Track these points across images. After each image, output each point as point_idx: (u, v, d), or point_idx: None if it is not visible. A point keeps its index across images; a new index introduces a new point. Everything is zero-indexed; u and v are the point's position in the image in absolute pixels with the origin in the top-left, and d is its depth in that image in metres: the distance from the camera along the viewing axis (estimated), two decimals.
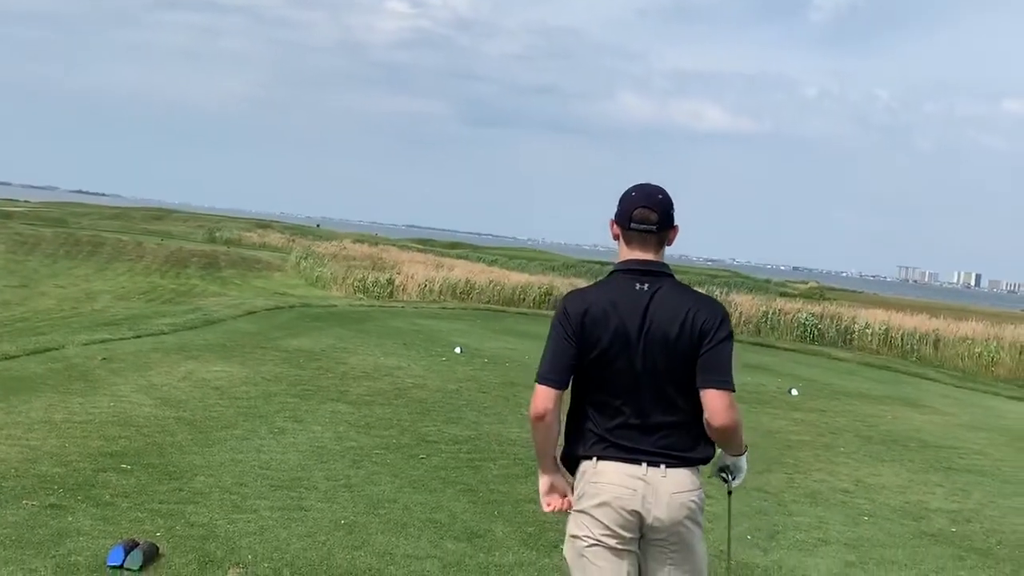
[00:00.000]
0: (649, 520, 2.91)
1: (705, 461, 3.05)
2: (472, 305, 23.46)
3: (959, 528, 6.76)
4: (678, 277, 3.10)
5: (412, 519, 5.61)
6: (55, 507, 5.14)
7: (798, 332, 22.57)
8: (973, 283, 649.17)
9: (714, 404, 2.91)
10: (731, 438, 3.02)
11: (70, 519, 4.98)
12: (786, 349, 20.11)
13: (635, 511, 2.90)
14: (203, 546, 4.78)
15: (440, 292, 26.33)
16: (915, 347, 21.09)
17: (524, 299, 25.38)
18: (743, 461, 3.17)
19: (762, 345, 20.63)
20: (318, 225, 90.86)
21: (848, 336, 22.17)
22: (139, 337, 12.02)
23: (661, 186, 3.07)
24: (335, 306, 19.24)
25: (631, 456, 2.94)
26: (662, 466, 2.93)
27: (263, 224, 63.72)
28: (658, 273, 3.00)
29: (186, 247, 39.55)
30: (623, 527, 2.90)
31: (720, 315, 2.98)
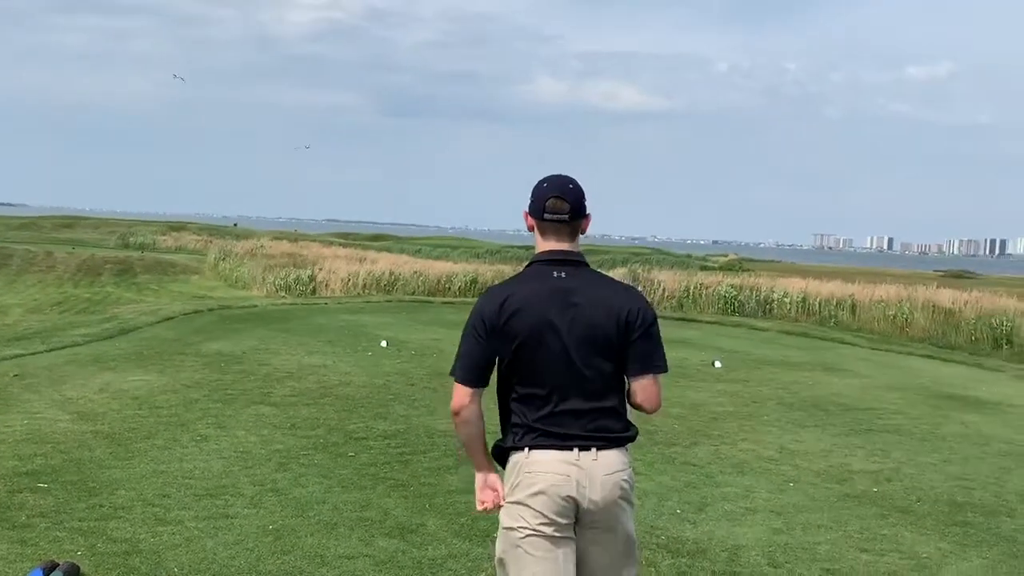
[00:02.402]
0: (584, 504, 2.94)
1: (633, 439, 3.11)
2: (397, 297, 23.31)
3: (880, 488, 6.96)
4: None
5: (342, 519, 5.56)
6: None
7: (719, 305, 22.93)
8: (886, 247, 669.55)
9: (651, 390, 3.07)
10: (650, 416, 3.19)
11: None
12: (708, 322, 20.42)
13: (570, 497, 2.93)
14: (126, 562, 4.67)
15: (364, 286, 26.10)
16: (832, 313, 21.61)
17: (449, 288, 25.32)
18: None
19: (685, 320, 20.91)
20: (235, 224, 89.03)
21: (768, 306, 22.60)
22: (52, 350, 11.66)
23: (571, 176, 3.09)
24: (256, 306, 18.92)
25: (563, 443, 2.97)
26: (593, 449, 2.97)
27: (177, 226, 62.24)
28: (575, 262, 3.05)
29: (98, 254, 38.45)
30: (559, 514, 2.93)
31: (643, 303, 3.09)
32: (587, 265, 3.09)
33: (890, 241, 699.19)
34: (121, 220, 73.94)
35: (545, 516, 2.92)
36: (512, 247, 69.44)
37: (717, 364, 12.98)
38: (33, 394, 8.75)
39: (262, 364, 11.11)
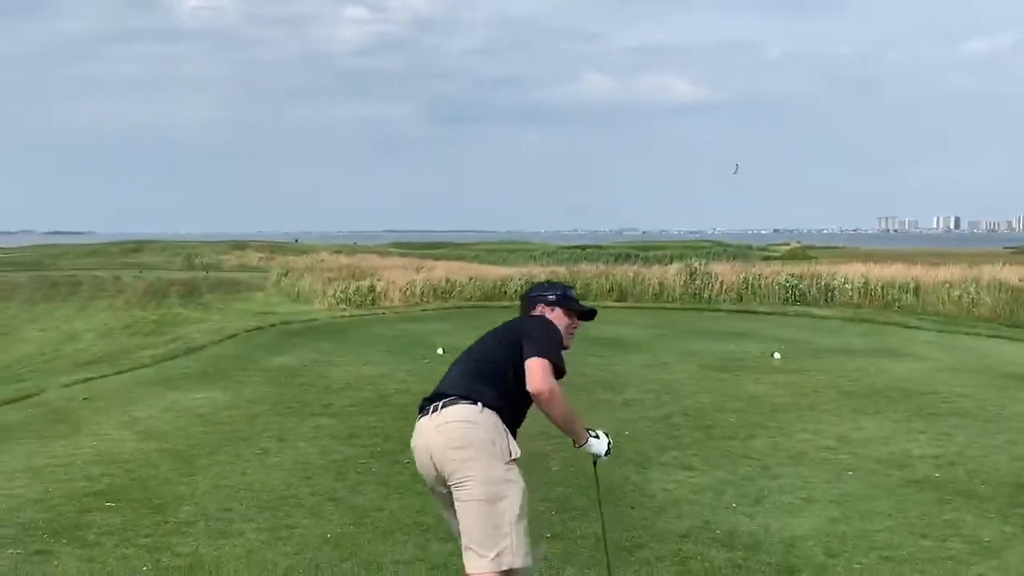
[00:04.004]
0: (435, 459, 3.51)
1: (485, 399, 3.54)
2: (454, 304, 23.46)
3: (943, 472, 6.84)
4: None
5: (398, 525, 5.64)
6: (40, 552, 5.15)
7: (780, 295, 22.63)
8: (953, 226, 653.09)
9: (528, 370, 3.51)
10: (544, 408, 3.54)
11: (55, 563, 4.98)
12: (768, 313, 20.19)
13: (428, 455, 3.54)
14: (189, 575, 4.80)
15: (422, 294, 26.29)
16: (896, 297, 21.21)
17: (505, 292, 25.38)
18: (594, 447, 3.88)
19: (744, 312, 20.72)
20: (296, 240, 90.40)
21: (829, 293, 22.25)
22: (120, 373, 11.99)
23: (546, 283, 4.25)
24: (316, 320, 19.22)
25: (423, 410, 3.67)
26: (439, 406, 3.58)
27: (240, 245, 63.45)
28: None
29: (164, 276, 39.35)
30: (425, 473, 3.63)
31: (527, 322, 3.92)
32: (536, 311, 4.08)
33: (957, 220, 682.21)
34: (185, 242, 75.66)
35: (423, 476, 3.72)
36: (567, 247, 69.35)
37: (776, 356, 12.84)
38: (102, 416, 9.02)
39: (322, 376, 11.30)
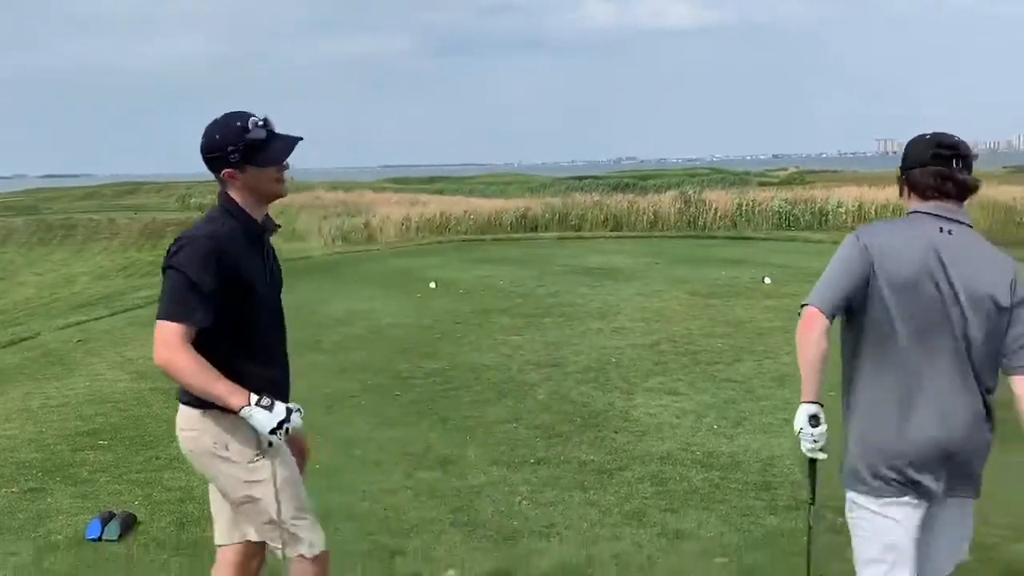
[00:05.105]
0: None
1: (194, 402, 2.92)
2: (448, 238, 23.49)
3: None
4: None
5: (386, 455, 5.76)
6: (34, 490, 5.27)
7: (773, 220, 22.65)
8: None
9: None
10: (172, 378, 2.85)
11: (49, 500, 5.10)
12: (761, 239, 20.22)
13: None
14: (181, 508, 4.92)
15: (417, 229, 26.29)
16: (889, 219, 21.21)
17: (500, 225, 25.37)
18: (255, 418, 2.75)
19: (738, 239, 20.74)
20: (291, 178, 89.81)
21: (823, 218, 22.27)
22: (114, 315, 12.08)
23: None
24: (310, 257, 19.26)
25: None
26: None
27: None
28: None
29: (160, 217, 39.26)
30: None
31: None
32: None
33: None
34: (180, 182, 75.28)
35: None
36: (564, 179, 69.04)
37: (767, 280, 12.90)
38: (95, 357, 9.11)
39: (314, 313, 11.36)
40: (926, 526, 2.72)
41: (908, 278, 2.64)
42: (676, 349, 8.64)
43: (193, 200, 53.51)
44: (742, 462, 5.44)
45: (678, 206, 23.97)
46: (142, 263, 27.04)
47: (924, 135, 2.82)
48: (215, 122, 2.86)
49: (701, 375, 7.60)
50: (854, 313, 2.76)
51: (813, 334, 2.73)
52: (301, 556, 2.97)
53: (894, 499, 2.69)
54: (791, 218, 22.49)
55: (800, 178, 70.47)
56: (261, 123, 2.85)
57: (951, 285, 2.63)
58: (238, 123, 2.82)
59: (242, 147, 2.82)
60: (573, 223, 24.35)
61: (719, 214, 23.42)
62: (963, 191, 2.74)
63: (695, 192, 25.27)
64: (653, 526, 4.59)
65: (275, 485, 2.91)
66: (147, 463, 5.69)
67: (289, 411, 2.80)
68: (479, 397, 7.09)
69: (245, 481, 2.93)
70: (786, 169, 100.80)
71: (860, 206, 21.96)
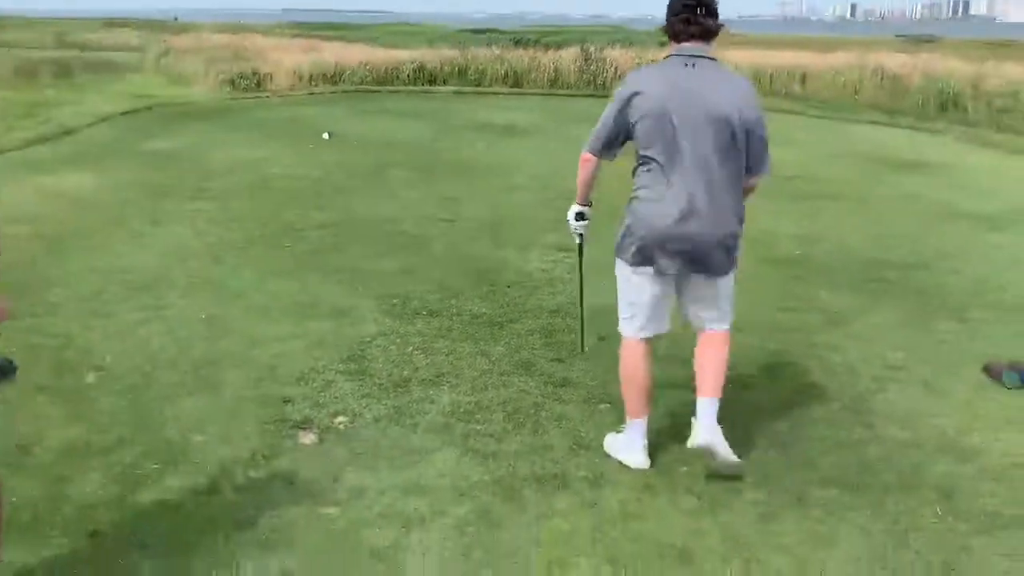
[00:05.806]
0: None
1: None
2: (342, 88, 22.77)
3: (804, 250, 7.19)
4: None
5: (276, 305, 5.70)
6: None
7: None
8: (849, 14, 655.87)
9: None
10: None
11: None
12: None
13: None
14: (59, 355, 4.80)
15: (311, 78, 25.35)
16: (784, 84, 21.45)
17: (398, 77, 24.68)
18: None
19: None
20: (176, 18, 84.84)
21: None
22: None
23: None
24: (195, 103, 18.46)
25: None
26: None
27: (114, 23, 59.41)
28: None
29: (34, 56, 36.84)
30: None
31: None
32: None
33: (853, 7, 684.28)
34: (53, 19, 70.42)
35: None
36: (465, 31, 67.26)
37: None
38: None
39: (199, 161, 10.97)
40: (681, 291, 3.74)
41: (651, 110, 3.47)
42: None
43: (69, 38, 50.23)
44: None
45: (578, 63, 23.69)
46: (16, 104, 25.39)
47: None
48: None
49: (594, 229, 7.66)
50: (631, 139, 3.64)
51: (588, 165, 4.00)
52: None
53: (639, 268, 3.68)
54: None
55: None
56: None
57: (690, 108, 3.42)
58: None
59: None
60: (473, 77, 23.87)
61: (619, 73, 23.25)
62: (706, 33, 3.51)
63: (596, 49, 24.97)
64: (541, 375, 4.71)
65: None
66: (26, 309, 5.46)
67: None
68: (372, 250, 7.03)
69: None
70: None
71: (756, 71, 22.06)
